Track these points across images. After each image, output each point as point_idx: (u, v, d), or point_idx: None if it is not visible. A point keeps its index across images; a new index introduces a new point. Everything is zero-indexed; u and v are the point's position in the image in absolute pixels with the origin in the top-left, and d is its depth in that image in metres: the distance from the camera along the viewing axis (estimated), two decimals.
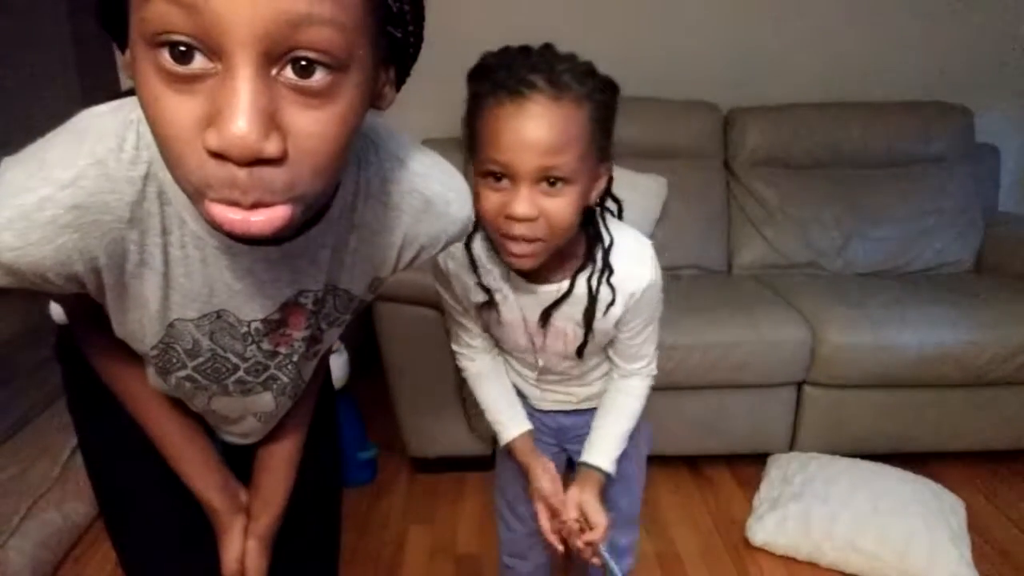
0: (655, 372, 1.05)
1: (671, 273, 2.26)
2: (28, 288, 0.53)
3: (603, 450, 1.02)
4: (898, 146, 2.35)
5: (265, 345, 0.65)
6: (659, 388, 1.83)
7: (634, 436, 1.05)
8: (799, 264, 2.29)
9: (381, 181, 0.62)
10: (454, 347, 1.07)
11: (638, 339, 0.99)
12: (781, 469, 1.82)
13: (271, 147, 0.40)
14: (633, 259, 0.94)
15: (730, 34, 2.47)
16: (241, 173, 0.41)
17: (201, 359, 0.64)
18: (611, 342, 1.00)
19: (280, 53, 0.40)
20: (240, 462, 0.81)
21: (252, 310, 0.61)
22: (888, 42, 2.50)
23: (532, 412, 1.10)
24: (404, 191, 0.63)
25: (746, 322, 1.87)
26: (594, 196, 0.88)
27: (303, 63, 0.40)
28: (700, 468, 2.00)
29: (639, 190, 2.18)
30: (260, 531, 0.79)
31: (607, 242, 0.92)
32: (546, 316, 0.94)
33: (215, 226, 0.44)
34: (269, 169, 0.41)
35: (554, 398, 1.09)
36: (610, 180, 0.90)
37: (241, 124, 0.39)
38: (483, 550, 1.66)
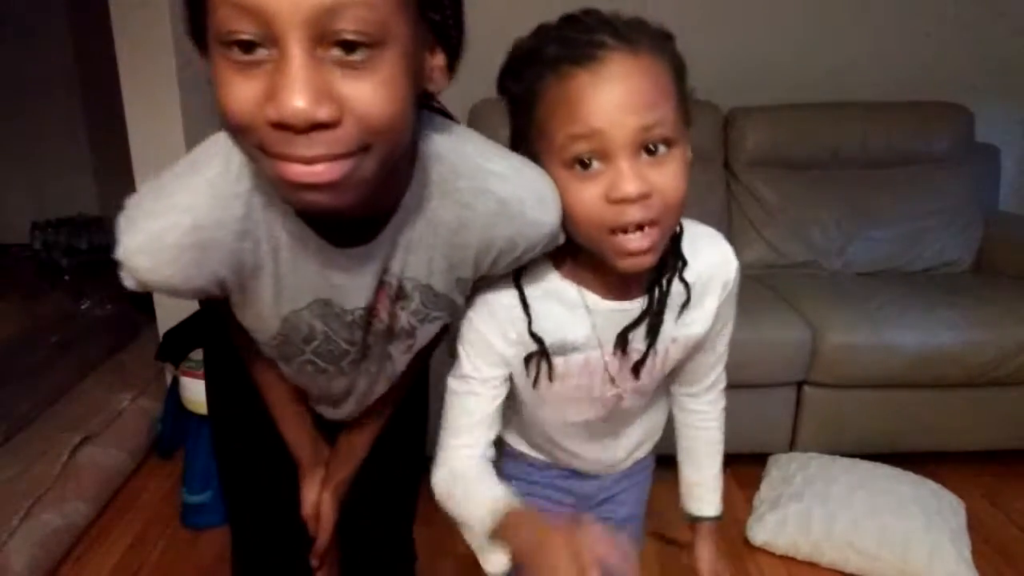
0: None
1: None
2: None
3: (713, 498, 0.94)
4: (898, 146, 2.35)
5: (377, 325, 0.73)
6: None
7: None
8: (799, 264, 2.29)
9: (455, 179, 0.64)
10: (446, 444, 0.78)
11: (724, 341, 0.89)
12: (781, 469, 1.82)
13: (323, 113, 0.47)
14: (712, 242, 0.85)
15: (730, 34, 2.47)
16: (301, 139, 0.47)
17: (317, 342, 0.72)
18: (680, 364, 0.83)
19: (324, 36, 0.46)
20: (331, 431, 0.93)
21: (353, 300, 0.68)
22: (888, 42, 2.50)
23: (547, 481, 0.89)
24: (477, 190, 0.64)
25: (746, 322, 1.85)
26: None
27: (345, 43, 0.47)
28: None
29: None
30: (333, 485, 0.92)
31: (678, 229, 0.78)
32: (624, 339, 0.75)
33: (282, 184, 0.50)
34: (326, 132, 0.48)
35: (596, 456, 0.88)
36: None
37: (295, 96, 0.46)
38: None
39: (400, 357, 0.79)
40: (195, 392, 1.71)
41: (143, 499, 1.82)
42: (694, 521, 0.95)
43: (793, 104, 2.39)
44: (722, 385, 0.90)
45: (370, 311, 0.70)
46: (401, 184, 0.63)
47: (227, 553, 1.63)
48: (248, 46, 0.47)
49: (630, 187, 0.63)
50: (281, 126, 0.47)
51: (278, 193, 0.56)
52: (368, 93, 0.48)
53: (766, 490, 1.78)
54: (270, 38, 0.46)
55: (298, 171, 0.49)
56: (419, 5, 0.52)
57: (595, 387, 0.78)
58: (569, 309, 0.74)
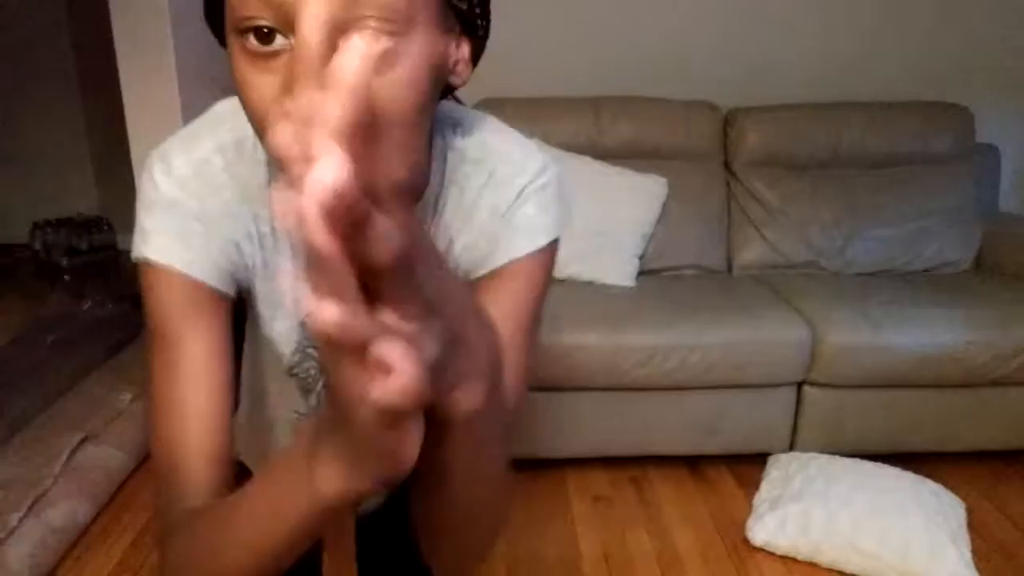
0: None
1: (671, 273, 2.26)
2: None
3: None
4: (898, 146, 2.36)
5: None
6: (659, 388, 1.86)
7: None
8: (799, 264, 2.29)
9: (463, 164, 0.62)
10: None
11: None
12: (781, 469, 1.82)
13: None
14: None
15: (730, 34, 2.47)
16: None
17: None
18: None
19: (345, 22, 0.43)
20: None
21: None
22: (888, 42, 2.50)
23: None
24: (478, 165, 0.63)
25: (746, 322, 1.87)
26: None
27: (368, 32, 0.44)
28: (700, 468, 2.00)
29: (639, 190, 2.18)
30: None
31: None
32: None
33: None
34: None
35: None
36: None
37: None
38: None
39: None
40: None
41: (143, 499, 1.82)
42: None
43: (793, 104, 2.39)
44: None
45: None
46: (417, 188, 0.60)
47: None
48: (265, 34, 0.44)
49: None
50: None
51: None
52: (392, 85, 0.45)
53: (766, 490, 1.78)
54: (288, 25, 0.43)
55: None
56: None
57: None
58: None
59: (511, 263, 0.62)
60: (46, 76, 3.52)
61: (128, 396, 2.04)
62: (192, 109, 1.87)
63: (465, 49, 0.53)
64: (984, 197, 2.42)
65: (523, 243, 0.62)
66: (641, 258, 2.19)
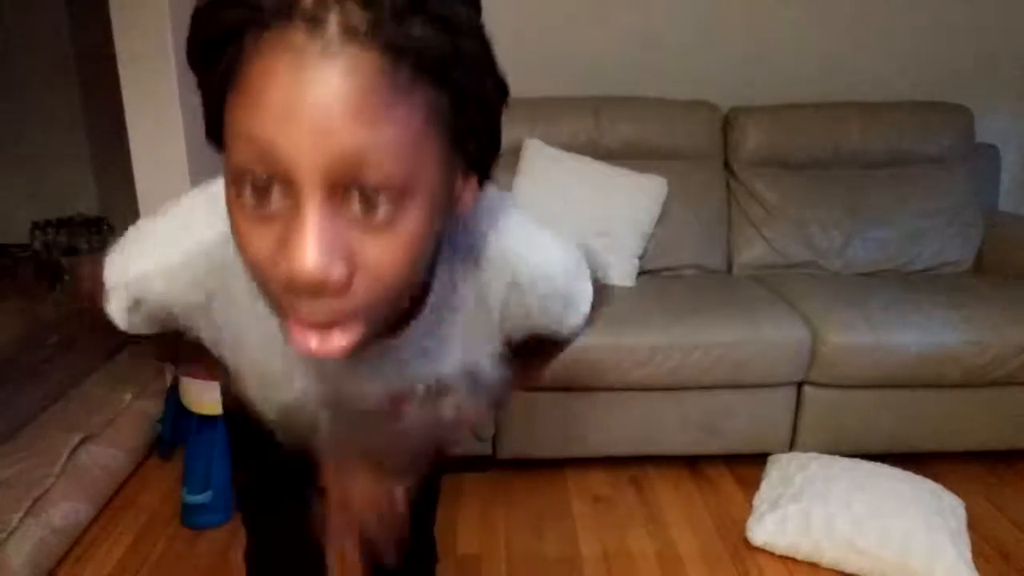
0: None
1: (671, 273, 2.26)
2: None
3: None
4: (898, 146, 2.36)
5: (372, 419, 0.71)
6: (659, 388, 1.86)
7: None
8: (799, 264, 2.29)
9: (474, 258, 0.60)
10: None
11: None
12: (781, 469, 1.82)
13: (336, 273, 0.42)
14: None
15: (730, 34, 2.47)
16: (307, 300, 0.44)
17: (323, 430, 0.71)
18: None
19: (344, 187, 0.41)
20: None
21: (363, 401, 0.67)
22: (888, 42, 2.50)
23: None
24: (492, 261, 0.61)
25: (746, 322, 1.87)
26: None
27: (367, 196, 0.42)
28: (700, 468, 2.00)
29: (639, 190, 2.18)
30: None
31: None
32: None
33: (296, 349, 0.47)
34: (334, 291, 0.43)
35: None
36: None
37: (307, 256, 0.41)
38: (483, 550, 1.66)
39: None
40: (195, 392, 1.71)
41: (143, 499, 1.82)
42: None
43: (793, 104, 2.40)
44: None
45: (392, 406, 0.69)
46: (413, 304, 0.58)
47: (227, 553, 1.64)
48: (262, 190, 0.42)
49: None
50: (291, 286, 0.43)
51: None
52: (387, 254, 0.44)
53: (766, 490, 1.78)
54: (285, 182, 0.42)
55: (309, 347, 0.46)
56: (452, 137, 0.46)
57: None
58: None
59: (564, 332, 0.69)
60: (46, 76, 3.52)
61: (128, 396, 2.04)
62: (192, 108, 1.87)
63: (473, 183, 0.51)
64: (984, 197, 2.42)
65: (556, 328, 0.67)
66: (641, 258, 2.19)
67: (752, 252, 2.30)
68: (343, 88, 0.39)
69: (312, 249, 0.41)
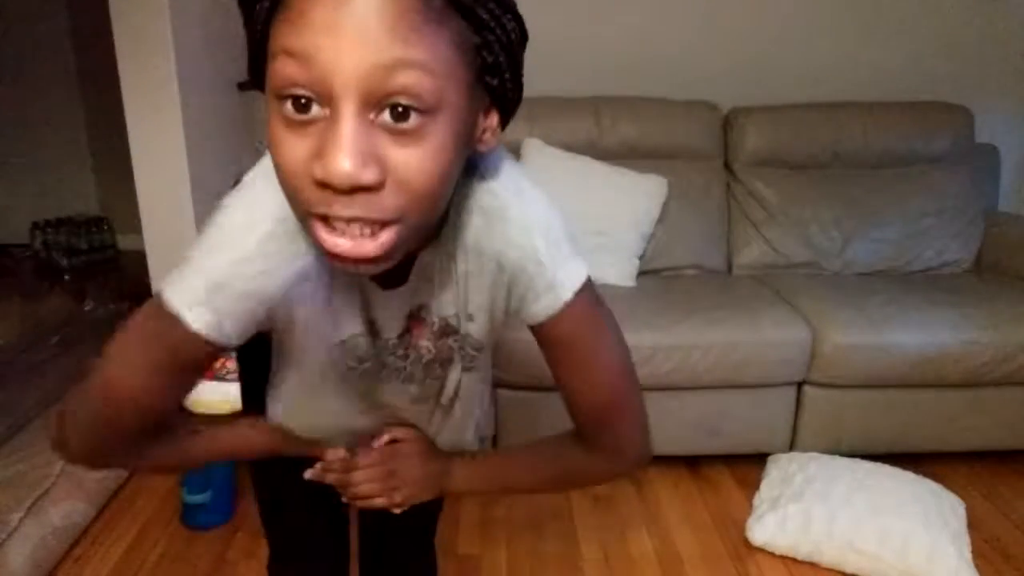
0: None
1: (671, 273, 2.26)
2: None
3: None
4: (898, 146, 2.36)
5: (400, 352, 0.72)
6: (659, 388, 1.86)
7: None
8: (799, 264, 2.29)
9: (477, 207, 0.62)
10: None
11: None
12: (781, 469, 1.82)
13: (368, 175, 0.46)
14: None
15: (730, 34, 2.47)
16: (341, 199, 0.47)
17: (368, 363, 0.72)
18: None
19: (378, 98, 0.46)
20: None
21: (388, 330, 0.69)
22: (888, 42, 2.50)
23: None
24: (483, 207, 0.62)
25: (746, 322, 1.87)
26: None
27: (398, 109, 0.46)
28: (700, 468, 2.00)
29: (639, 190, 2.18)
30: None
31: None
32: None
33: (322, 249, 0.50)
34: (367, 195, 0.47)
35: None
36: None
37: (342, 158, 0.45)
38: (483, 550, 1.66)
39: (468, 383, 0.77)
40: (195, 392, 1.71)
41: (143, 499, 1.82)
42: None
43: (793, 104, 2.40)
44: None
45: (402, 337, 0.70)
46: (433, 231, 0.61)
47: (227, 553, 1.64)
48: (303, 105, 0.46)
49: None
50: (325, 185, 0.47)
51: (311, 238, 0.54)
52: (415, 161, 0.48)
53: (766, 490, 1.78)
54: (324, 95, 0.46)
55: (341, 245, 0.49)
56: (478, 71, 0.51)
57: None
58: None
59: (550, 322, 0.63)
60: (46, 76, 3.52)
61: None
62: (192, 108, 1.87)
63: (494, 119, 0.56)
64: (984, 197, 2.42)
65: (551, 300, 0.63)
66: (641, 258, 2.19)
67: (752, 252, 2.30)
68: (381, 8, 0.44)
69: (347, 150, 0.45)
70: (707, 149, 2.36)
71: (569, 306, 0.63)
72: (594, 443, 0.73)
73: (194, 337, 0.57)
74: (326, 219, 0.49)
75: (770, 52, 2.49)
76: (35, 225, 3.45)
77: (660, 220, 2.21)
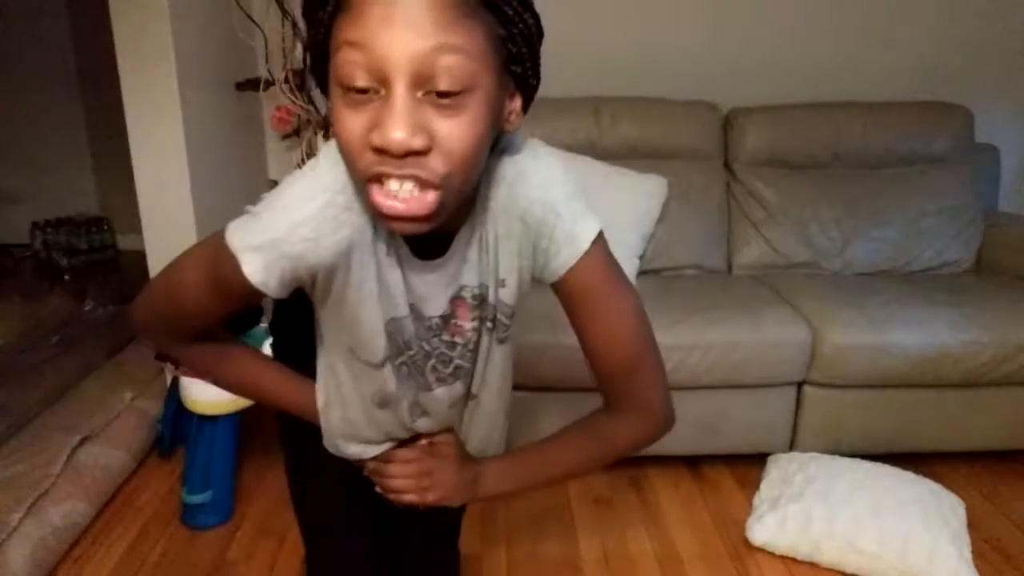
0: None
1: (671, 273, 2.26)
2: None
3: None
4: (898, 146, 2.36)
5: (444, 336, 0.78)
6: None
7: None
8: (799, 264, 2.29)
9: (503, 178, 0.70)
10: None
11: None
12: (781, 469, 1.82)
13: (417, 142, 0.55)
14: None
15: (730, 34, 2.47)
16: (395, 161, 0.56)
17: (413, 351, 0.78)
18: None
19: (425, 78, 0.55)
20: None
21: (431, 308, 0.75)
22: (888, 42, 2.50)
23: None
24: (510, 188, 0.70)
25: (746, 322, 1.87)
26: None
27: (441, 87, 0.55)
28: (700, 468, 2.00)
29: (639, 190, 2.18)
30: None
31: None
32: None
33: (378, 211, 0.59)
34: (417, 159, 0.56)
35: None
36: None
37: (396, 127, 0.55)
38: (483, 550, 1.66)
39: (491, 358, 0.81)
40: (195, 392, 1.71)
41: (143, 499, 1.82)
42: None
43: (793, 104, 2.40)
44: None
45: (446, 319, 0.76)
46: (467, 208, 0.70)
47: (226, 553, 1.64)
48: (360, 90, 0.56)
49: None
50: (381, 151, 0.56)
51: (366, 201, 0.62)
52: (455, 130, 0.57)
53: (766, 490, 1.78)
54: (379, 78, 0.55)
55: (393, 204, 0.58)
56: (504, 60, 0.60)
57: None
58: None
59: (570, 274, 0.70)
60: (46, 76, 3.52)
61: (128, 396, 2.04)
62: (192, 108, 1.87)
63: (518, 102, 0.65)
64: (984, 197, 2.42)
65: (572, 251, 0.69)
66: (641, 258, 2.19)
67: (752, 252, 2.30)
68: (426, 3, 0.54)
69: (400, 121, 0.55)
70: (707, 149, 2.36)
71: (587, 255, 0.69)
72: (619, 403, 0.81)
73: (243, 278, 0.65)
74: (381, 181, 0.57)
75: (770, 52, 2.49)
76: (35, 225, 3.45)
77: (660, 220, 2.21)
